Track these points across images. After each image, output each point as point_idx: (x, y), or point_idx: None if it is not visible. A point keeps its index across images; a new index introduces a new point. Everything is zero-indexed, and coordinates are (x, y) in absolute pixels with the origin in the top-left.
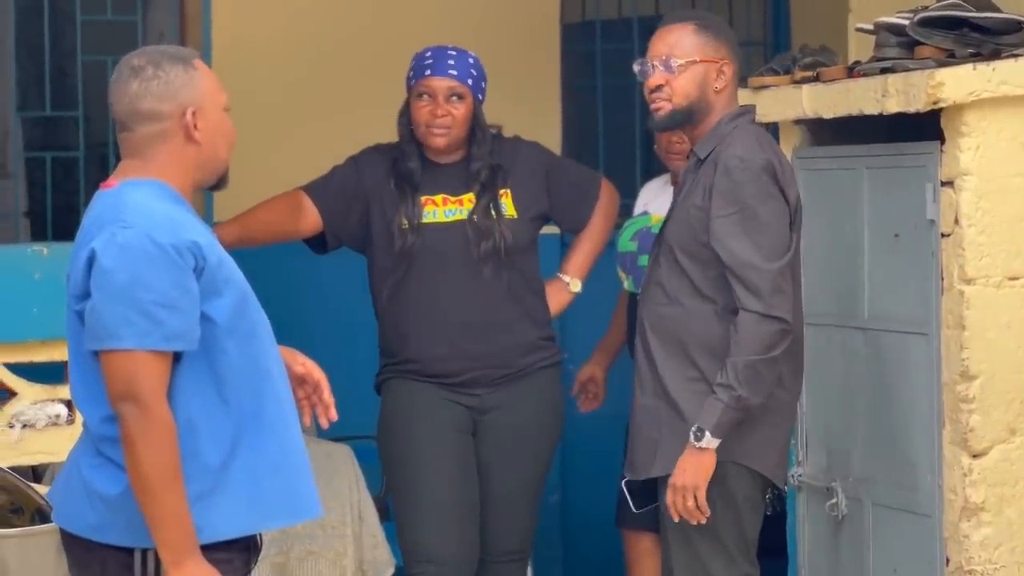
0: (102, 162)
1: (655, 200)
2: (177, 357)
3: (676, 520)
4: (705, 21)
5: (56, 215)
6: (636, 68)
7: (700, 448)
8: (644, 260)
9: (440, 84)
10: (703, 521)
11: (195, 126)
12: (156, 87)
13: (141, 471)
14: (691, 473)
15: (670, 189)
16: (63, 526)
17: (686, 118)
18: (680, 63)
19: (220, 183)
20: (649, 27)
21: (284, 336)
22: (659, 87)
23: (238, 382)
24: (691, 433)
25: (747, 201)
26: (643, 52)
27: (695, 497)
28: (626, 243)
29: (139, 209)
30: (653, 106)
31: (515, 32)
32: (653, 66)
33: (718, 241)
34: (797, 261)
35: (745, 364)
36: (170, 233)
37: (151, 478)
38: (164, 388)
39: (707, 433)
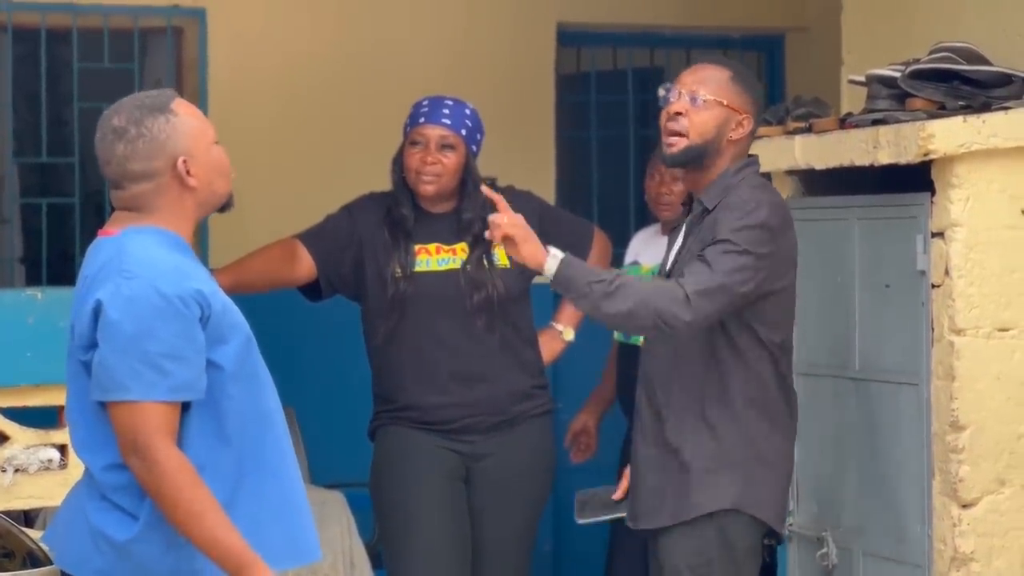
0: (98, 209)
1: (645, 250)
2: (185, 405)
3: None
4: (742, 74)
5: (51, 261)
6: (661, 92)
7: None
8: None
9: (433, 132)
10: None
11: (188, 172)
12: (142, 146)
13: (172, 517)
14: (528, 244)
15: (660, 239)
16: (68, 571)
17: (697, 156)
18: (706, 99)
19: (225, 207)
20: (644, 78)
21: (279, 382)
22: (678, 114)
23: (241, 426)
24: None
25: (743, 244)
26: (638, 102)
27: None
28: None
29: (143, 259)
30: (667, 139)
31: (511, 83)
32: (680, 93)
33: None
34: (792, 304)
35: (641, 298)
36: (175, 283)
37: (183, 520)
38: (171, 437)
39: (556, 263)
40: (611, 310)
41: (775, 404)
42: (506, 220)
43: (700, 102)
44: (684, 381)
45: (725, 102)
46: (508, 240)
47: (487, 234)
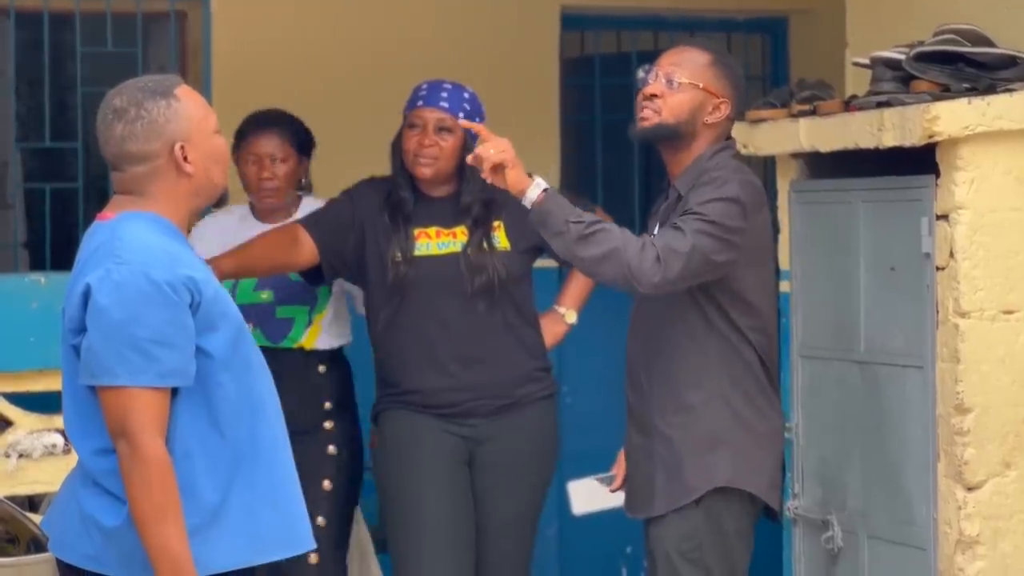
0: (101, 194)
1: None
2: (175, 392)
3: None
4: (723, 58)
5: (55, 246)
6: (640, 74)
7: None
8: None
9: (430, 115)
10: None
11: (185, 159)
12: (141, 128)
13: (135, 506)
14: (514, 170)
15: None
16: (60, 556)
17: (668, 135)
18: (682, 82)
19: (220, 201)
20: (648, 62)
21: None
22: (653, 96)
23: (234, 415)
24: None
25: (712, 216)
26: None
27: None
28: None
29: (135, 244)
30: (640, 114)
31: (515, 66)
32: (657, 74)
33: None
34: (772, 289)
35: (615, 247)
36: (165, 269)
37: (144, 513)
38: (160, 424)
39: (537, 192)
40: (584, 253)
41: (759, 385)
42: (492, 150)
43: (676, 84)
44: (666, 366)
45: (702, 85)
46: (497, 169)
47: (469, 159)
